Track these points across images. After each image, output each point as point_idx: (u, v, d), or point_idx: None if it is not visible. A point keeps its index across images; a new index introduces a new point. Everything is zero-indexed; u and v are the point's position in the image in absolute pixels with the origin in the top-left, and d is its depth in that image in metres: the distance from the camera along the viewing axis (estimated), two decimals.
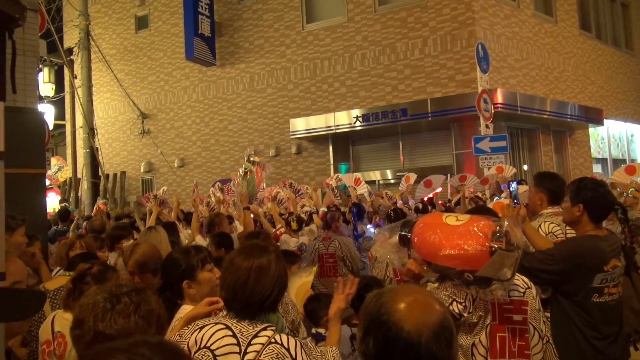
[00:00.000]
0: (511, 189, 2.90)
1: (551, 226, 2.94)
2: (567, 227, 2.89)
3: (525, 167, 11.71)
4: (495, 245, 1.83)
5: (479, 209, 2.71)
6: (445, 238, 1.91)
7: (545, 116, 11.21)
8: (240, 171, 6.81)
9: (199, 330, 1.66)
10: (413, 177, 8.00)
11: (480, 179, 7.44)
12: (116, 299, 1.38)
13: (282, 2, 12.51)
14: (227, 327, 1.64)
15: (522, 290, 2.01)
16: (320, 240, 4.88)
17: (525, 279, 2.07)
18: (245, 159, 7.10)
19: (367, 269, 4.77)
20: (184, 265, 2.19)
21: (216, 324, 1.67)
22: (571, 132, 13.31)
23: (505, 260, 1.88)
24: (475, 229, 1.89)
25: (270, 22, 12.68)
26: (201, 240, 5.74)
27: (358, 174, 11.69)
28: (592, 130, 14.18)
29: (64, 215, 7.42)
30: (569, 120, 12.03)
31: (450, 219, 2.00)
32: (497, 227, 1.89)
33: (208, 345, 1.60)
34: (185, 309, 2.07)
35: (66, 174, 10.44)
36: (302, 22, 12.25)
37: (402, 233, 2.09)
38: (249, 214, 4.80)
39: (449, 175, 7.85)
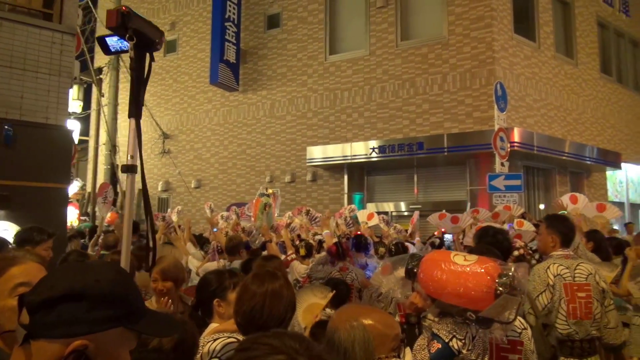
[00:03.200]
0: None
1: (560, 268, 3.01)
2: (575, 270, 2.96)
3: (541, 207, 11.64)
4: (501, 289, 1.89)
5: (482, 249, 2.77)
6: (452, 276, 1.97)
7: (562, 157, 11.20)
8: (262, 200, 6.92)
9: (212, 341, 1.76)
10: (416, 215, 8.04)
11: (492, 213, 7.44)
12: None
13: (306, 33, 12.86)
14: (239, 341, 1.74)
15: (519, 331, 2.06)
16: (337, 270, 4.90)
17: (522, 320, 2.12)
18: (260, 194, 7.23)
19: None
20: (216, 285, 2.34)
21: (229, 337, 1.77)
22: (588, 174, 13.23)
23: (508, 304, 1.93)
24: (482, 270, 1.95)
25: (294, 52, 13.01)
26: (192, 249, 5.88)
27: (372, 205, 11.79)
28: (610, 174, 14.07)
29: (93, 231, 7.65)
30: (587, 162, 12.00)
31: (459, 258, 2.07)
32: (503, 271, 1.95)
33: (219, 355, 1.71)
34: (212, 327, 2.18)
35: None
36: (325, 53, 12.55)
37: (409, 267, 2.16)
38: (274, 245, 4.90)
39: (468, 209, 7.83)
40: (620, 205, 14.73)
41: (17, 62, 4.58)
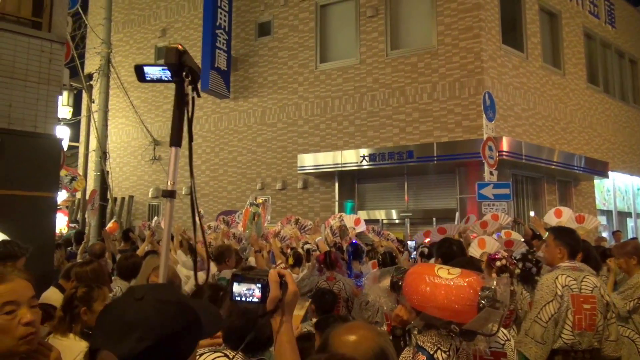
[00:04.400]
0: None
1: (567, 279, 3.10)
2: (582, 282, 3.05)
3: (532, 214, 11.73)
4: (483, 302, 1.93)
5: (465, 261, 2.82)
6: (436, 290, 2.00)
7: (551, 166, 11.33)
8: (251, 210, 6.91)
9: (199, 356, 1.77)
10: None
11: (480, 222, 7.49)
12: None
13: (297, 41, 12.93)
14: (226, 356, 1.75)
15: (502, 342, 2.09)
16: (324, 279, 4.92)
17: (505, 332, 2.16)
18: (249, 204, 7.21)
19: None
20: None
21: (215, 351, 1.78)
22: (576, 183, 13.38)
23: (491, 317, 1.97)
24: (465, 284, 1.98)
25: (284, 60, 13.07)
26: (183, 256, 5.86)
27: (363, 213, 11.82)
28: (598, 182, 14.24)
29: (79, 237, 7.58)
30: (575, 171, 12.14)
31: (442, 272, 2.10)
32: (486, 284, 1.98)
33: None
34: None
35: (81, 184, 10.68)
36: (316, 61, 12.62)
37: (394, 280, 2.19)
38: (261, 256, 4.90)
39: (457, 218, 7.86)
40: (608, 213, 14.91)
41: (6, 70, 4.57)
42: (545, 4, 12.82)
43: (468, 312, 1.91)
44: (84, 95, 14.51)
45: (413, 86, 11.25)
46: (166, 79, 1.83)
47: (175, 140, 1.88)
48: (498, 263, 3.64)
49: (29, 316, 1.46)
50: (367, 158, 11.00)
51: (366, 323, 1.93)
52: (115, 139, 15.52)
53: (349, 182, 12.16)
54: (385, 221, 11.86)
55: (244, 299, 1.41)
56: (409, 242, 3.49)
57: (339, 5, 12.60)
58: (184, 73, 1.77)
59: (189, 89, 1.80)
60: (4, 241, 3.37)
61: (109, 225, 8.74)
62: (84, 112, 14.96)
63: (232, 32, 13.77)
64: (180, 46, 1.78)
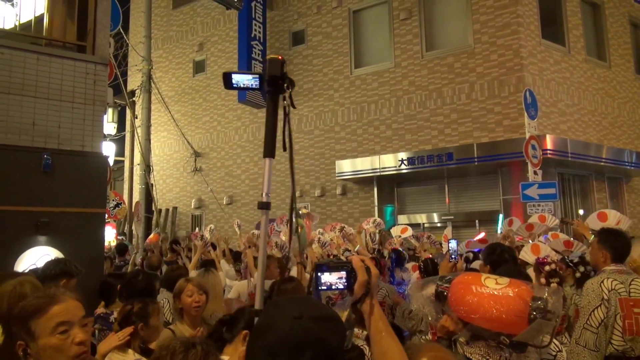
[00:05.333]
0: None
1: (614, 283, 2.97)
2: (631, 285, 2.92)
3: (581, 212, 11.29)
4: (534, 313, 1.86)
5: (512, 269, 2.73)
6: (484, 300, 1.94)
7: (599, 163, 10.88)
8: (294, 221, 6.88)
9: None
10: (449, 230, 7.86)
11: (525, 224, 7.25)
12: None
13: (331, 48, 12.97)
14: None
15: (554, 354, 2.02)
16: None
17: (557, 343, 2.07)
18: (293, 214, 7.18)
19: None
20: (247, 323, 2.22)
21: None
22: (628, 179, 12.79)
23: (543, 328, 1.89)
24: (515, 294, 1.92)
25: (319, 67, 13.13)
26: (226, 266, 5.92)
27: (403, 217, 11.69)
28: None
29: (121, 249, 7.81)
30: (625, 167, 11.60)
31: (490, 281, 2.04)
32: (537, 294, 1.91)
33: None
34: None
35: (123, 212, 11.05)
36: (351, 67, 12.62)
37: (439, 290, 2.14)
38: (302, 268, 4.91)
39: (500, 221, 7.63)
40: None
41: (55, 93, 4.79)
42: None
43: (518, 323, 1.85)
44: (127, 111, 15.05)
45: (450, 87, 11.07)
46: (255, 87, 1.82)
47: (269, 151, 1.83)
48: (547, 267, 3.50)
49: (81, 335, 1.53)
50: (405, 162, 10.89)
51: (438, 345, 1.88)
52: (158, 152, 16.00)
53: (388, 186, 12.06)
54: (426, 225, 11.69)
55: (332, 287, 1.46)
56: (450, 244, 3.31)
57: (372, 9, 12.57)
58: (286, 84, 1.74)
59: (288, 99, 1.76)
60: (61, 259, 3.51)
61: (150, 236, 9.00)
62: (127, 127, 15.51)
63: (267, 43, 13.97)
64: (280, 57, 1.76)
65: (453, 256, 3.09)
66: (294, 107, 1.80)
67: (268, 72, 1.75)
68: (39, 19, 5.24)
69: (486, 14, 10.74)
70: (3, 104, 4.58)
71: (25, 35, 5.10)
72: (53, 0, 5.12)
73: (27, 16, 5.42)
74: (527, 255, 3.83)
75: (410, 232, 7.86)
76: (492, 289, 1.95)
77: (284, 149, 1.81)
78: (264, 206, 1.86)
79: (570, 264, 3.96)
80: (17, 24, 5.33)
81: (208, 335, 2.30)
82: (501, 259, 3.29)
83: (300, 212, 7.36)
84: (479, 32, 10.80)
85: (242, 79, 1.83)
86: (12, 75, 4.64)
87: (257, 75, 1.82)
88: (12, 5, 5.95)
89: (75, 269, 3.19)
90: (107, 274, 5.24)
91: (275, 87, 1.75)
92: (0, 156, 4.53)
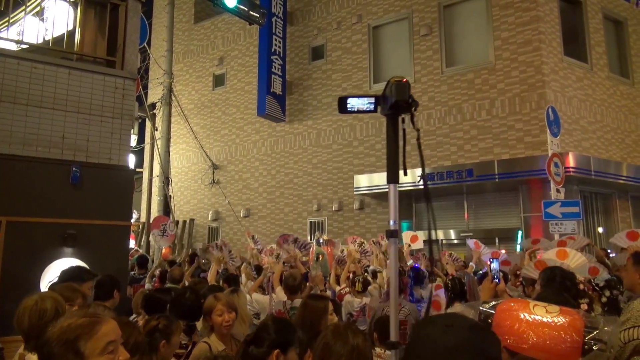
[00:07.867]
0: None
1: None
2: None
3: (600, 230, 11.09)
4: (591, 343, 1.80)
5: (554, 296, 2.66)
6: (533, 329, 1.88)
7: (621, 181, 10.70)
8: (315, 250, 6.86)
9: None
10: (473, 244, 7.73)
11: (557, 241, 7.13)
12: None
13: (350, 63, 13.04)
14: None
15: None
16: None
17: None
18: (314, 242, 7.17)
19: None
20: (278, 336, 2.14)
21: None
22: None
23: (597, 359, 1.84)
24: (567, 323, 1.85)
25: (338, 82, 13.19)
26: (261, 298, 5.73)
27: (421, 233, 11.59)
28: None
29: (142, 262, 7.84)
30: None
31: (539, 309, 1.96)
32: (590, 324, 1.85)
33: None
34: None
35: (134, 226, 11.17)
36: (370, 82, 12.66)
37: (483, 316, 2.08)
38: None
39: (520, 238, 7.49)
40: None
41: (85, 107, 4.88)
42: (609, 11, 12.28)
43: (570, 354, 1.79)
44: (147, 123, 15.25)
45: (470, 103, 11.03)
46: (369, 110, 1.79)
47: (393, 177, 1.76)
48: (580, 286, 3.42)
49: (125, 354, 1.54)
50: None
51: None
52: (176, 164, 16.16)
53: (406, 202, 11.99)
54: (444, 241, 11.58)
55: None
56: (493, 264, 3.15)
57: (392, 25, 12.63)
58: (413, 107, 1.70)
59: (409, 120, 1.70)
60: (74, 266, 3.65)
61: (163, 251, 9.04)
62: (147, 139, 15.69)
63: (287, 57, 14.10)
64: (405, 80, 1.71)
65: (495, 277, 2.96)
66: (414, 127, 1.72)
67: (396, 96, 1.68)
68: (70, 34, 5.36)
69: (507, 30, 10.72)
70: (35, 118, 4.68)
71: (57, 51, 5.22)
72: (84, 16, 5.24)
73: (58, 31, 5.56)
74: (551, 257, 3.75)
75: (420, 242, 7.77)
76: (543, 317, 1.89)
77: (405, 174, 1.74)
78: (392, 234, 1.76)
79: (597, 288, 3.88)
80: (48, 39, 5.46)
81: (239, 356, 2.27)
82: (563, 287, 2.99)
83: (321, 240, 7.33)
84: (500, 49, 10.77)
85: (358, 103, 1.82)
86: (44, 90, 4.74)
87: (373, 99, 1.77)
88: (43, 20, 6.10)
89: (87, 274, 3.36)
90: (155, 288, 5.24)
91: (397, 109, 1.69)
92: (31, 169, 4.61)
